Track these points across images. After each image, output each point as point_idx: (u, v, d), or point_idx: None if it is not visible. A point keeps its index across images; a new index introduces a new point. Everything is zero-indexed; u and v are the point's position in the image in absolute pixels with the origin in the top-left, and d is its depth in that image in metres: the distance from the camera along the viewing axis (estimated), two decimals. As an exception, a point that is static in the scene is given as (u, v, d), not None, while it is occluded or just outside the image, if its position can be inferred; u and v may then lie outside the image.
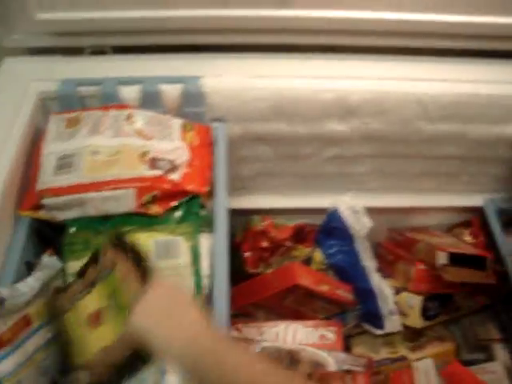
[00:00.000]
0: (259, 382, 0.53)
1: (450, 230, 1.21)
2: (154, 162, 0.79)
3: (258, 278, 1.04)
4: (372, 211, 1.09)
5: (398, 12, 0.97)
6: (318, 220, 1.12)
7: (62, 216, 0.78)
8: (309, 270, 1.01)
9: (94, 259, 0.68)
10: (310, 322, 1.00)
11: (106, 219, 0.79)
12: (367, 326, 1.10)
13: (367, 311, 1.07)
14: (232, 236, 1.08)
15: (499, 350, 1.09)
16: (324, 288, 0.98)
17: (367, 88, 0.97)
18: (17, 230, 0.79)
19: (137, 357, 0.61)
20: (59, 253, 0.78)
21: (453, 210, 1.18)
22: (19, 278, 0.74)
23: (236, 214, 0.82)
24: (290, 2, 0.94)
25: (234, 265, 0.78)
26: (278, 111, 0.96)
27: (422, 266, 1.05)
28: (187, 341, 0.55)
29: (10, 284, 0.72)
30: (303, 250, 1.09)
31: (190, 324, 0.57)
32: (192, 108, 0.93)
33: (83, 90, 0.91)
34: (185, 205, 0.80)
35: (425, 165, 1.10)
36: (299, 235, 1.10)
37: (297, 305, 1.01)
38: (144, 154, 0.80)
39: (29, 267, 0.79)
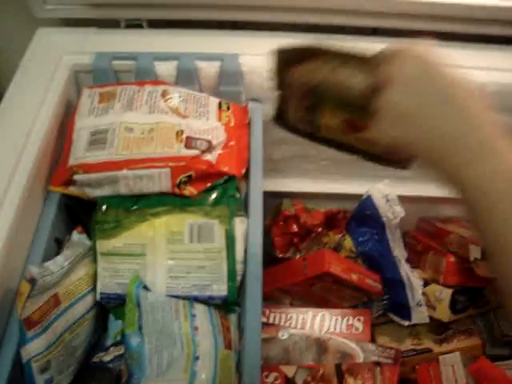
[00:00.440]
0: None
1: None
2: (190, 141, 0.76)
3: (286, 263, 1.02)
4: (403, 199, 1.06)
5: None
6: (349, 206, 1.09)
7: (93, 193, 0.77)
8: (339, 258, 0.99)
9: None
10: (338, 311, 0.98)
11: (137, 198, 0.77)
12: (394, 317, 1.07)
13: (395, 301, 1.05)
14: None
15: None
16: (354, 277, 0.96)
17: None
18: (47, 206, 0.78)
19: None
20: (88, 231, 0.77)
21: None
22: (48, 254, 0.74)
23: (267, 197, 0.80)
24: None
25: (263, 249, 0.76)
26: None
27: (452, 259, 1.02)
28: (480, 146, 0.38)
29: (40, 262, 0.71)
30: (333, 237, 1.07)
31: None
32: (229, 87, 0.89)
33: (117, 64, 0.88)
34: (220, 187, 0.77)
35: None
36: (330, 221, 1.07)
37: (324, 292, 0.99)
38: (180, 132, 0.77)
39: (58, 244, 0.78)
